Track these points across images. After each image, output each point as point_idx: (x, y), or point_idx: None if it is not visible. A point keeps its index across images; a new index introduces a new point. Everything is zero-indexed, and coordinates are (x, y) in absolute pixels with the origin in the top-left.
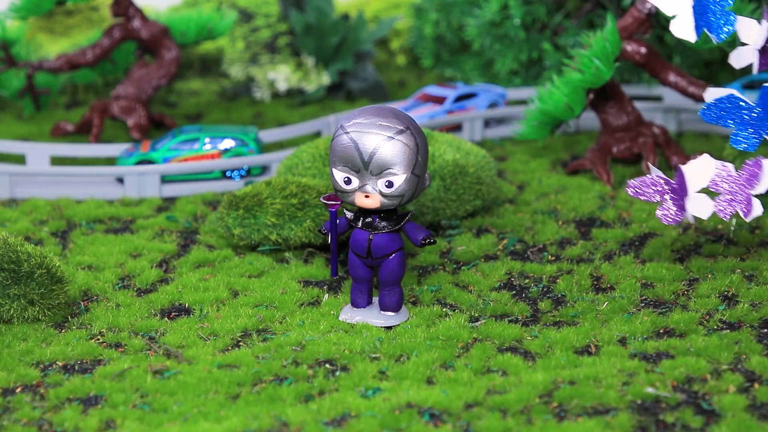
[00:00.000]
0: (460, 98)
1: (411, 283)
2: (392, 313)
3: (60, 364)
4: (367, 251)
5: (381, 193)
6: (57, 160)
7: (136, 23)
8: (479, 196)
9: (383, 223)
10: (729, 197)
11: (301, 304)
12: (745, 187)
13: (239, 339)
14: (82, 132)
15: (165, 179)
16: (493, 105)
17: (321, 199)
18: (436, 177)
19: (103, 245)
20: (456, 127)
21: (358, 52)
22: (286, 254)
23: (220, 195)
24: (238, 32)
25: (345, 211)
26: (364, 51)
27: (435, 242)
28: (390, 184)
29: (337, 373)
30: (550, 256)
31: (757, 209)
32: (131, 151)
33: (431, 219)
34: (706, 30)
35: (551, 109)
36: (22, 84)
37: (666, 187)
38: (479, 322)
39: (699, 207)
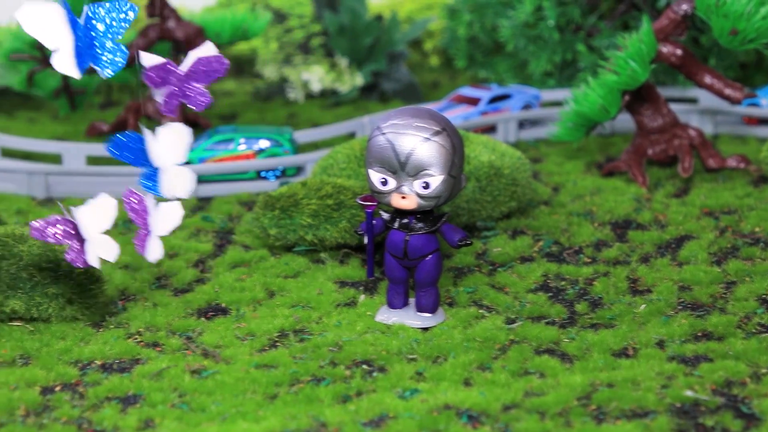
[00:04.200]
0: (494, 99)
1: (447, 284)
2: (429, 315)
3: (98, 363)
4: (404, 252)
5: (417, 194)
6: (93, 160)
7: (171, 23)
8: (514, 197)
9: (420, 224)
10: (146, 235)
11: (338, 305)
12: (152, 227)
13: (276, 339)
14: (117, 132)
15: (200, 179)
16: (527, 106)
17: (357, 200)
18: (472, 178)
19: None
20: (490, 129)
21: (391, 53)
22: (322, 255)
23: (255, 195)
24: (272, 33)
25: (381, 212)
26: (397, 52)
27: (471, 244)
28: (427, 186)
29: (375, 374)
30: (586, 258)
31: (158, 251)
32: None
33: (466, 220)
34: (92, 64)
35: (586, 111)
36: (58, 84)
37: (72, 230)
38: (516, 324)
39: (104, 249)
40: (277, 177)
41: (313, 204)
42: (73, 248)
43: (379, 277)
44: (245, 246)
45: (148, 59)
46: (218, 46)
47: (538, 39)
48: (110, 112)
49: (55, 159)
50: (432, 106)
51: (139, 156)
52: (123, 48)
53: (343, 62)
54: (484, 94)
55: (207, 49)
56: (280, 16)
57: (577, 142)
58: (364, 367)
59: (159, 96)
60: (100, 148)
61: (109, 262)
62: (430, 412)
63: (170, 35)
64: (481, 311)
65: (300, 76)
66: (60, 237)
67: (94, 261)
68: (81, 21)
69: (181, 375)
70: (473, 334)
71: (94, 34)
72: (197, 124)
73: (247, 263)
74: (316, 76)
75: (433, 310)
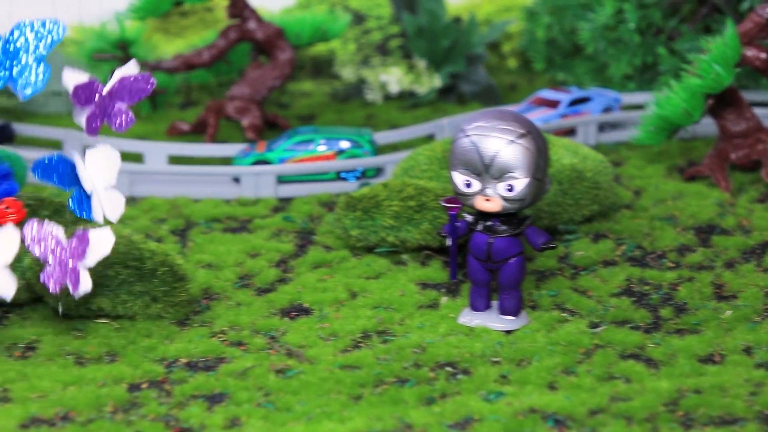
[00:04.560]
0: (574, 102)
1: (529, 287)
2: (512, 317)
3: (183, 361)
4: (487, 255)
5: (502, 197)
6: (174, 159)
7: (252, 24)
8: (596, 201)
9: (503, 227)
10: (57, 268)
11: (420, 307)
12: (74, 259)
13: (359, 340)
14: (198, 132)
15: (281, 179)
16: (607, 109)
17: (441, 202)
18: (554, 181)
19: (221, 244)
20: (570, 132)
21: (469, 55)
22: (403, 256)
23: (335, 196)
24: (350, 34)
25: (464, 214)
26: (475, 54)
27: (555, 247)
28: (511, 188)
29: (459, 376)
30: (669, 263)
31: (85, 284)
32: (248, 152)
33: (548, 223)
34: (9, 83)
35: (669, 115)
36: None
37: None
38: (600, 328)
39: (1, 284)
40: (357, 178)
41: (395, 205)
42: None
43: (461, 280)
44: (326, 247)
45: (72, 77)
46: (298, 47)
47: (619, 42)
48: (190, 111)
49: (137, 158)
50: (511, 108)
51: (67, 179)
52: (43, 68)
53: (421, 64)
54: (564, 97)
55: (131, 68)
56: (358, 18)
57: (658, 146)
58: (448, 369)
59: (81, 116)
60: (181, 148)
61: (192, 262)
62: (515, 415)
63: (250, 36)
64: (564, 315)
65: (378, 77)
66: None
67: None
68: (1, 39)
69: (265, 374)
70: (557, 338)
71: (13, 51)
72: (276, 125)
73: (328, 264)
74: (394, 77)
75: (516, 313)
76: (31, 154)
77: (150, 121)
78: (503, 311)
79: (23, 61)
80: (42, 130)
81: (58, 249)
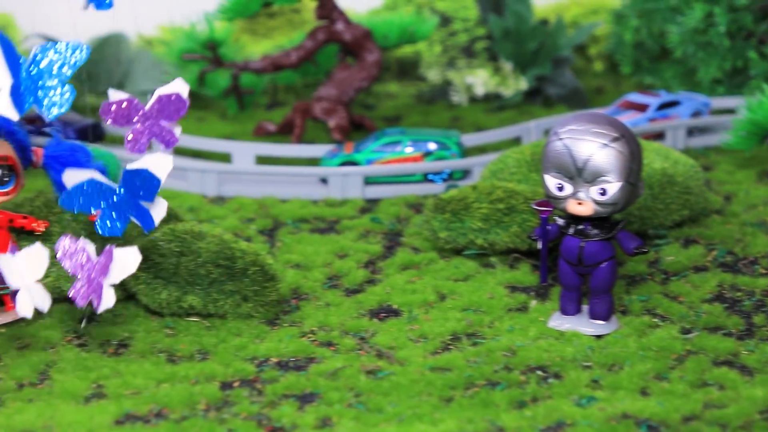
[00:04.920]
0: (663, 106)
1: (619, 292)
2: (602, 322)
3: (274, 360)
4: (579, 259)
5: (594, 201)
6: (261, 160)
7: (340, 26)
8: (687, 206)
9: (595, 231)
10: (85, 284)
11: (509, 310)
12: (99, 275)
13: (449, 342)
14: (284, 132)
15: (368, 181)
16: (696, 114)
17: (532, 205)
18: (645, 185)
19: (309, 244)
20: (658, 135)
21: (556, 58)
22: (492, 259)
23: (422, 198)
24: (436, 36)
25: (556, 217)
26: (562, 57)
27: (647, 251)
28: (604, 192)
29: (550, 380)
30: (762, 270)
31: (109, 300)
32: (335, 152)
33: (638, 227)
34: (36, 106)
35: (761, 119)
36: (228, 84)
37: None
38: (692, 334)
39: (36, 298)
40: (444, 180)
41: (484, 208)
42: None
43: (551, 283)
44: (414, 248)
45: (114, 95)
46: (385, 48)
47: (708, 45)
48: (276, 112)
49: (224, 158)
50: (601, 111)
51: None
52: (67, 90)
53: (507, 66)
54: (652, 101)
55: (171, 87)
56: (444, 20)
57: (749, 151)
58: (539, 373)
59: (127, 134)
60: (268, 148)
61: (281, 262)
62: (608, 420)
63: (338, 37)
64: (654, 320)
65: (464, 79)
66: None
67: (25, 311)
68: (26, 61)
69: (356, 375)
70: (648, 343)
71: (37, 74)
72: (362, 126)
73: (416, 265)
74: (480, 79)
75: (606, 318)
76: (122, 153)
77: (237, 122)
78: (594, 315)
79: (47, 84)
80: None
81: (88, 265)
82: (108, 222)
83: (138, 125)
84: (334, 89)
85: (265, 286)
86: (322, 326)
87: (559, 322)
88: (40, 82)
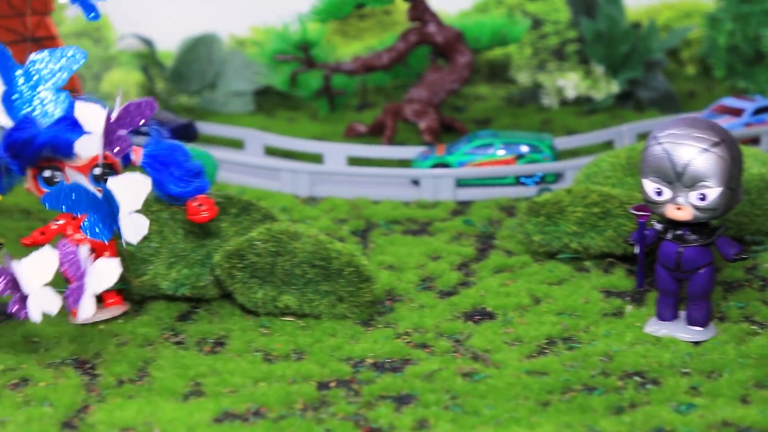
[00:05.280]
0: (759, 111)
1: (716, 298)
2: (700, 328)
3: (370, 361)
4: (677, 264)
5: (693, 206)
6: (353, 161)
7: (432, 28)
8: None
9: (694, 236)
10: (76, 289)
11: (604, 314)
12: (83, 282)
13: (544, 346)
14: (375, 134)
15: (460, 183)
16: None
17: (630, 209)
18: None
19: (402, 246)
20: (753, 141)
21: (648, 61)
22: (586, 263)
23: (513, 201)
24: (527, 38)
25: (653, 222)
26: (654, 60)
27: (747, 258)
28: (703, 197)
29: (648, 386)
30: None
31: (87, 310)
32: (427, 154)
33: (734, 233)
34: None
35: None
36: (319, 85)
37: (9, 282)
38: None
39: (45, 303)
40: (536, 183)
41: (579, 212)
42: (15, 300)
43: (647, 288)
44: (507, 251)
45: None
46: (476, 51)
47: None
48: (366, 113)
49: (316, 159)
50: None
51: (80, 205)
52: (63, 98)
53: (598, 69)
54: (748, 105)
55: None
56: (535, 22)
57: None
58: (636, 378)
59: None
60: (360, 149)
61: (374, 263)
62: (708, 428)
63: (430, 39)
64: (753, 327)
65: (555, 82)
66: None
67: (36, 316)
68: (20, 69)
69: (452, 377)
70: (747, 351)
71: (32, 82)
72: (452, 128)
73: (510, 268)
74: (571, 82)
75: (704, 324)
76: (219, 153)
77: (327, 122)
78: (691, 322)
79: (42, 91)
80: (223, 129)
81: (80, 271)
82: (96, 229)
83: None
84: (425, 91)
85: (360, 287)
86: (416, 328)
87: (656, 328)
88: (36, 90)
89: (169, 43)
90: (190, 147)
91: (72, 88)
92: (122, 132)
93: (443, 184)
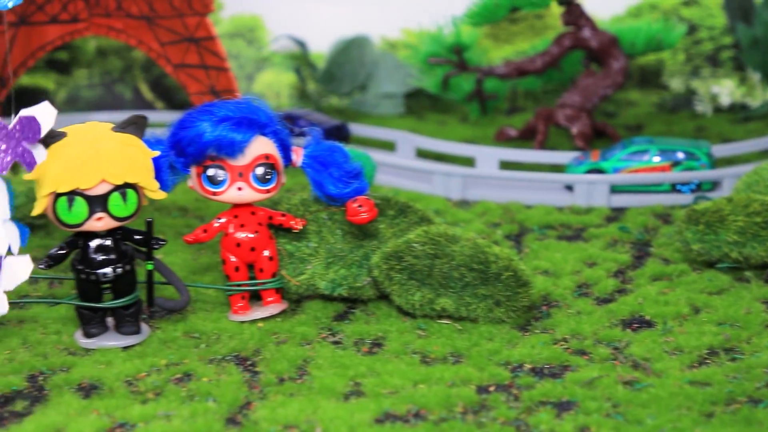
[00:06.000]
0: None
1: None
2: None
3: (528, 366)
4: None
5: None
6: (505, 165)
7: (586, 32)
8: None
9: None
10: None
11: (767, 326)
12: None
13: (706, 356)
14: (525, 138)
15: (614, 189)
16: None
17: None
18: None
19: (557, 251)
20: None
21: None
22: (747, 273)
23: (669, 208)
24: (680, 44)
25: None
26: None
27: None
28: None
29: None
30: None
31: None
32: (581, 160)
33: None
34: None
35: None
36: (471, 88)
37: None
38: None
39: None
40: (692, 191)
41: (740, 221)
42: None
43: None
44: (664, 259)
45: None
46: (631, 56)
47: None
48: (516, 117)
49: (467, 162)
50: None
51: None
52: None
53: (754, 76)
54: None
55: (35, 109)
56: (690, 28)
57: None
58: None
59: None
60: (512, 154)
61: (529, 268)
62: None
63: (584, 44)
64: None
65: (709, 88)
66: None
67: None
68: None
69: (613, 385)
70: None
71: None
72: (604, 134)
73: (668, 276)
74: (726, 89)
75: None
76: (377, 155)
77: (477, 126)
78: None
79: None
80: (375, 131)
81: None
82: None
83: (2, 144)
84: (578, 96)
85: (518, 291)
86: (574, 334)
87: None
88: None
89: (321, 45)
90: (349, 148)
91: (228, 88)
92: (28, 145)
93: (597, 190)
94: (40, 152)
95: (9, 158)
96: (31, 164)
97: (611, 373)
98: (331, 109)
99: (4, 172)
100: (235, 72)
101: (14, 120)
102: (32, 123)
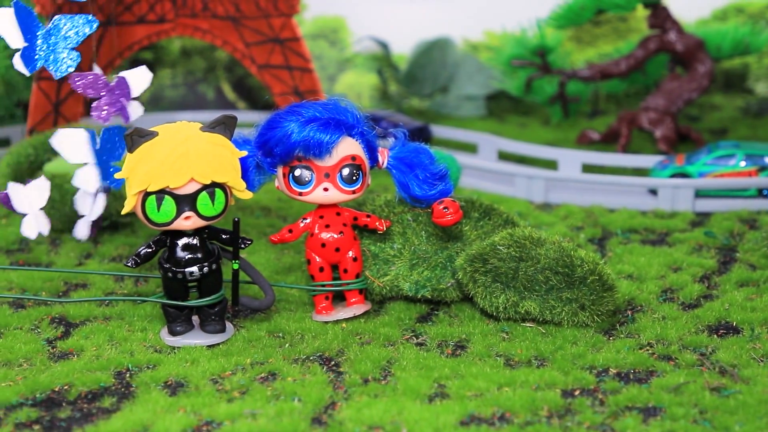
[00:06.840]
0: None
1: None
2: None
3: (613, 371)
4: None
5: None
6: (587, 168)
7: (672, 36)
8: None
9: None
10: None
11: None
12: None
13: None
14: (608, 141)
15: (699, 194)
16: None
17: None
18: None
19: (641, 256)
20: None
21: None
22: None
23: (755, 213)
24: (767, 47)
25: None
26: None
27: None
28: None
29: None
30: None
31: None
32: (666, 164)
33: None
34: (45, 66)
35: None
36: (554, 91)
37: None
38: None
39: (41, 224)
40: None
41: None
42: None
43: None
44: (751, 265)
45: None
46: (717, 59)
47: None
48: (598, 121)
49: (550, 165)
50: None
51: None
52: (73, 56)
53: None
54: None
55: (134, 72)
56: None
57: None
58: None
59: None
60: (594, 157)
61: (614, 272)
62: None
63: (670, 47)
64: None
65: None
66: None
67: (29, 233)
68: (43, 28)
69: (700, 391)
70: None
71: (52, 40)
72: (688, 138)
73: (755, 282)
74: None
75: None
76: (462, 158)
77: (559, 129)
78: None
79: (59, 50)
80: (457, 133)
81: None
82: None
83: (104, 98)
84: (662, 99)
85: (603, 295)
86: (659, 339)
87: None
88: (53, 48)
89: (403, 46)
90: (434, 150)
91: (312, 89)
92: (125, 101)
93: (682, 194)
94: (136, 108)
95: (112, 110)
96: (128, 118)
97: (698, 379)
98: (412, 111)
99: (107, 122)
100: (318, 73)
101: (115, 78)
102: (125, 84)
